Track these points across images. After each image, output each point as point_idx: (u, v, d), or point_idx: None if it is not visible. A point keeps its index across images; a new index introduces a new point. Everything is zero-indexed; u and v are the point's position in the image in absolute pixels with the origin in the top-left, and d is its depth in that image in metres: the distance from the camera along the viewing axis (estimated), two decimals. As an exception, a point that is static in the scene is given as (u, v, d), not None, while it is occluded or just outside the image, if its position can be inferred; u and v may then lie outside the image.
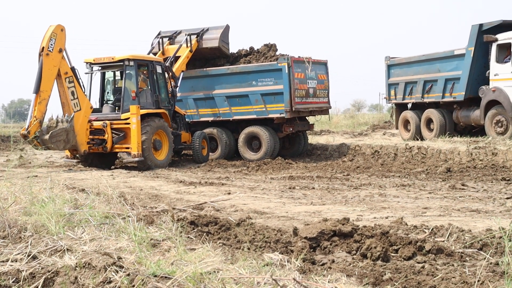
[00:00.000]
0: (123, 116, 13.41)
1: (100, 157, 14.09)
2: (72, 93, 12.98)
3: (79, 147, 13.10)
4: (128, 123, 13.23)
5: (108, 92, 14.81)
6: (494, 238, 4.88)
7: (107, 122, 13.43)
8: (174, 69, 15.40)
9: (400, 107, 19.00)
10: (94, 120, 13.53)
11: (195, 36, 16.15)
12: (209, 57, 16.72)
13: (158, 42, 16.48)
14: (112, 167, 14.46)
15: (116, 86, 14.63)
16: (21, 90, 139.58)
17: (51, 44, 12.59)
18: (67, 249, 4.39)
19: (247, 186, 10.12)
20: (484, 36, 14.95)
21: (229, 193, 9.03)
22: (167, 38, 16.61)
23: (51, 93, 12.72)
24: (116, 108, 13.96)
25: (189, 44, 15.96)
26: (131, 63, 13.64)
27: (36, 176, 10.70)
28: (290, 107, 15.07)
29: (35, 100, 12.46)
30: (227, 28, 16.56)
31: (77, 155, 13.68)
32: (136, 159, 13.14)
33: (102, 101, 14.71)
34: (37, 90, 12.41)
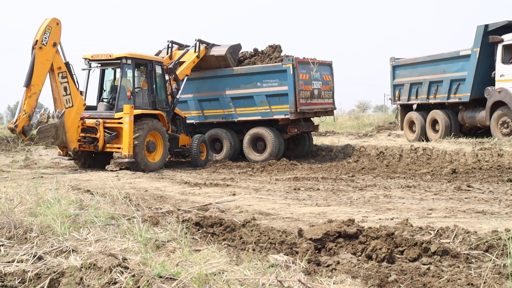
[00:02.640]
0: (117, 115, 13.04)
1: (95, 156, 13.81)
2: (65, 88, 12.67)
3: (68, 144, 12.76)
4: (121, 123, 12.89)
5: (105, 90, 14.45)
6: (500, 239, 4.85)
7: (100, 120, 13.07)
8: (178, 72, 15.17)
9: (405, 108, 18.97)
10: (87, 118, 13.19)
11: (205, 44, 16.02)
12: (214, 67, 16.36)
13: (168, 46, 16.16)
14: (108, 166, 14.30)
15: (114, 84, 14.26)
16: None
17: (45, 38, 12.29)
18: (73, 250, 4.41)
19: (252, 187, 10.11)
20: (489, 36, 14.93)
21: (234, 194, 9.02)
22: (177, 45, 16.34)
23: (42, 87, 12.39)
24: (112, 106, 13.66)
25: (197, 50, 15.76)
26: (129, 61, 13.29)
27: (42, 177, 10.72)
28: (295, 108, 15.06)
29: (25, 94, 12.13)
30: (238, 45, 16.43)
31: (69, 153, 13.38)
32: (127, 160, 12.75)
33: (100, 98, 14.36)
34: (27, 84, 12.10)
